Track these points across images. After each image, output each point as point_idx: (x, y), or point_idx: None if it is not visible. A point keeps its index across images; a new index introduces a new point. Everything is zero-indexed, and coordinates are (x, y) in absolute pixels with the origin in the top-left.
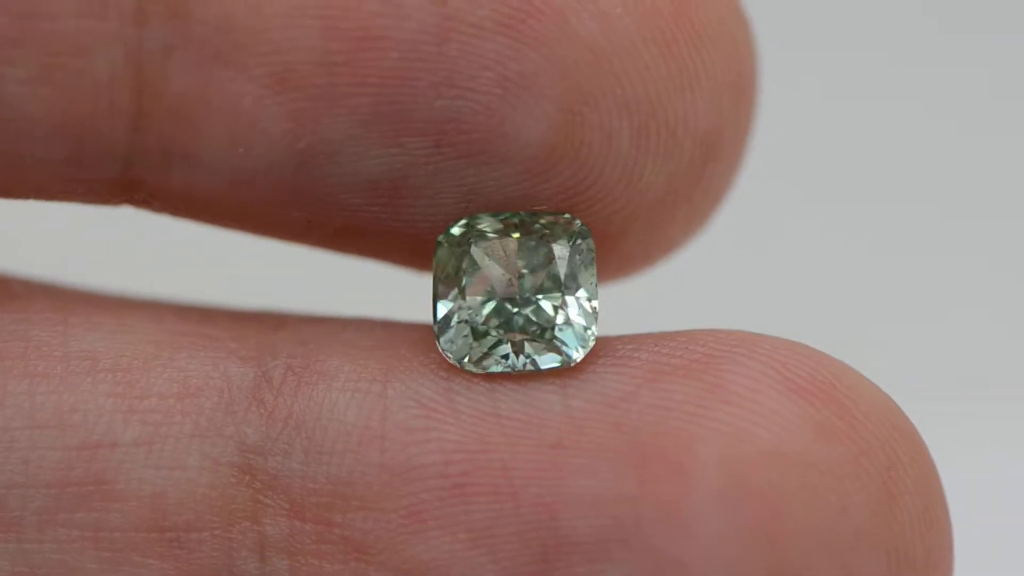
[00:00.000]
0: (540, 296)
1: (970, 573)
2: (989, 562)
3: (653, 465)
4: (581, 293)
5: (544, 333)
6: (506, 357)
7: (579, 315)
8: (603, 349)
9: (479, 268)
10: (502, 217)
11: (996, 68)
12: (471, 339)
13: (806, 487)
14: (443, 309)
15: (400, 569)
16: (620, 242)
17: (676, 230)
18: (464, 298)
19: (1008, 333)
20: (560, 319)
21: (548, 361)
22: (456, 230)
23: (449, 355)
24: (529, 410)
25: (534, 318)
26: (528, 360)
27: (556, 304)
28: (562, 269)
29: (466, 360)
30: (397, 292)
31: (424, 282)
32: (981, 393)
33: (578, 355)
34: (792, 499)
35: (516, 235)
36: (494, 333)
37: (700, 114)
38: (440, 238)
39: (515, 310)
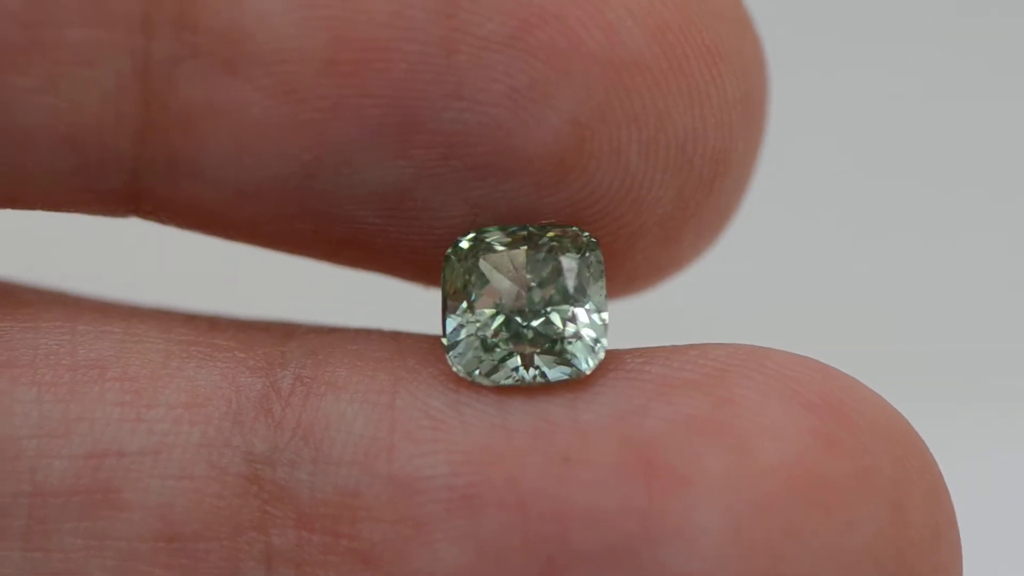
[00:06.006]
0: (549, 308)
1: (970, 573)
2: (989, 563)
3: (661, 479)
4: (590, 305)
5: (554, 346)
6: (516, 370)
7: (589, 327)
8: (613, 363)
9: (488, 281)
10: (510, 230)
11: (1004, 78)
12: (480, 352)
13: (813, 502)
14: (452, 323)
15: None
16: (628, 257)
17: (685, 246)
18: (473, 311)
19: (1012, 335)
20: (570, 331)
21: (558, 374)
22: (464, 243)
23: (458, 369)
24: (538, 423)
25: (543, 331)
26: (538, 373)
27: (565, 316)
28: (571, 281)
29: (476, 373)
30: (406, 304)
31: (433, 294)
32: (984, 394)
33: (588, 367)
34: (799, 514)
35: (524, 248)
36: (503, 346)
37: (709, 129)
38: (449, 251)
39: (524, 323)
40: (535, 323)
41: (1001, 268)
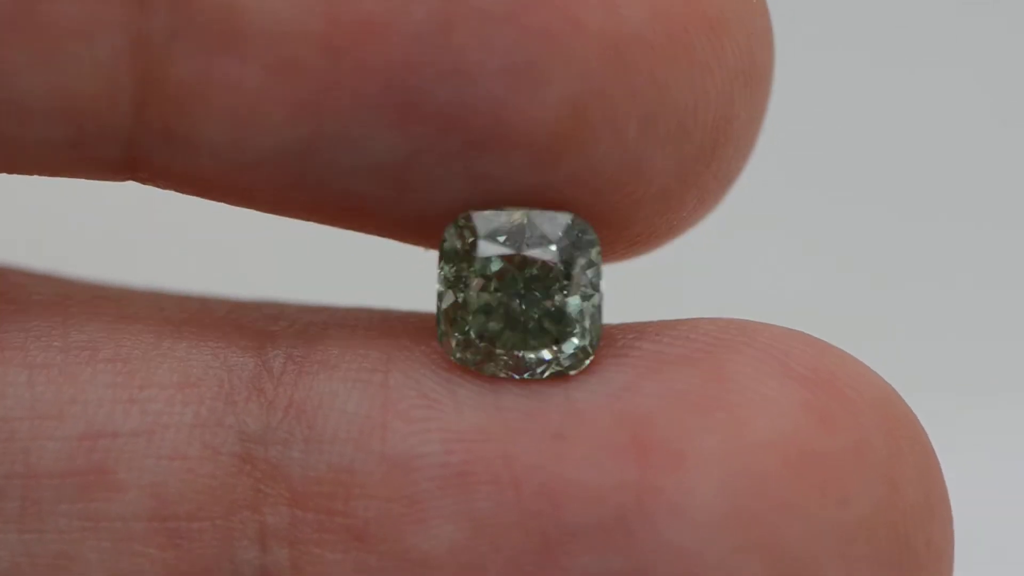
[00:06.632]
0: (545, 297)
1: (970, 571)
2: (988, 560)
3: (654, 455)
4: (586, 293)
5: (547, 338)
6: (508, 362)
7: (583, 317)
8: (604, 339)
9: (483, 267)
10: (508, 214)
11: (1008, 64)
12: (474, 342)
13: (807, 477)
14: (446, 307)
15: (401, 558)
16: (627, 227)
17: (684, 213)
18: (468, 297)
19: (1008, 329)
20: (565, 322)
21: (552, 367)
22: (461, 226)
23: (451, 356)
24: (530, 400)
25: (538, 321)
26: (531, 363)
27: (561, 306)
28: (568, 269)
29: (469, 361)
30: (398, 283)
31: (428, 266)
32: (980, 389)
33: (582, 360)
34: (794, 489)
35: (521, 233)
36: (498, 337)
37: (710, 100)
38: (445, 234)
39: (519, 310)
40: (530, 311)
41: (1002, 253)
